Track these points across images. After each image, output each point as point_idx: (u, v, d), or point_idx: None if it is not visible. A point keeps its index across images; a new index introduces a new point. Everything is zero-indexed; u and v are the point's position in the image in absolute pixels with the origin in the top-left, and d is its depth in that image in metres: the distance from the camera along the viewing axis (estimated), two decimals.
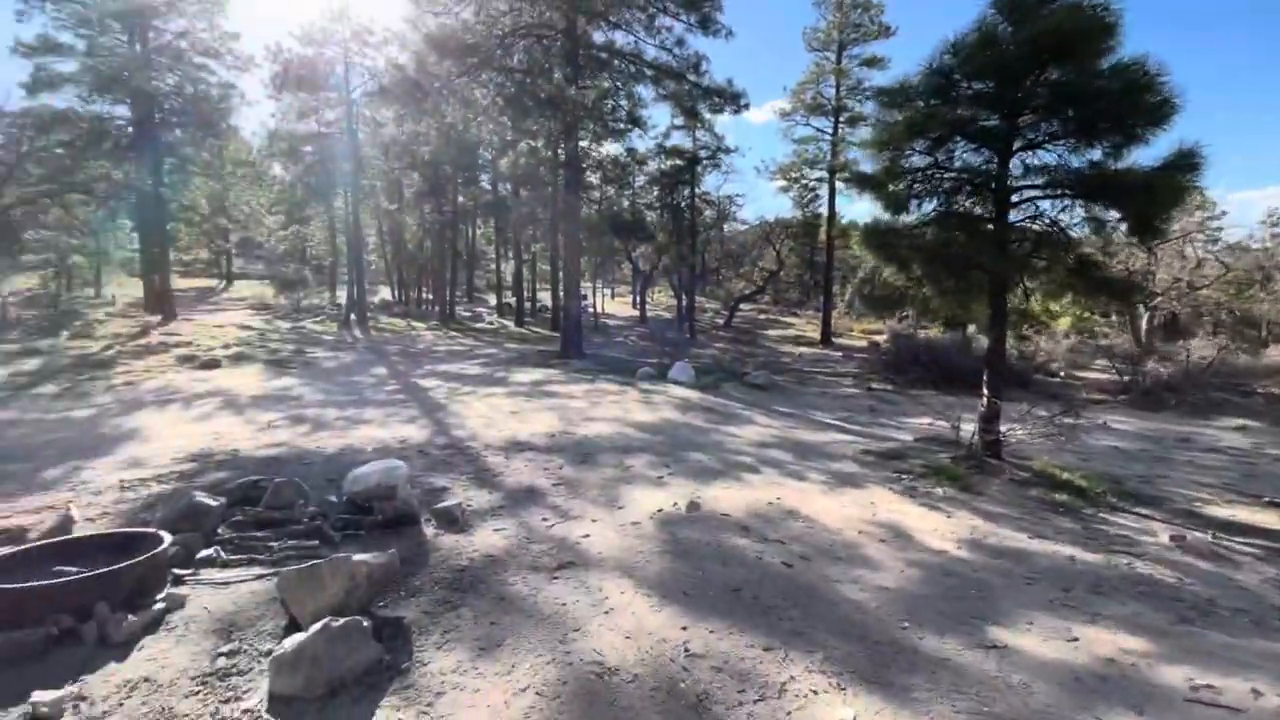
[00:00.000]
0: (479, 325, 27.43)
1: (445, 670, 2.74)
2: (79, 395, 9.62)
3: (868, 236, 6.75)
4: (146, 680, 2.58)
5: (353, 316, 22.61)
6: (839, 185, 29.10)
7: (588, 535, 4.36)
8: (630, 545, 4.21)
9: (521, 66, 15.55)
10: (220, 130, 23.83)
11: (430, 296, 34.76)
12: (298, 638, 2.60)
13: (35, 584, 2.93)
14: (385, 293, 37.56)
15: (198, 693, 2.53)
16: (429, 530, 4.32)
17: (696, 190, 28.26)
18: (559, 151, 18.37)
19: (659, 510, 4.91)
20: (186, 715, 2.39)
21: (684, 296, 29.33)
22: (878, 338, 22.85)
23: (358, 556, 3.13)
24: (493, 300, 37.42)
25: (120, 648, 2.79)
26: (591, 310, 29.34)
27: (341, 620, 2.68)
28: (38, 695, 2.40)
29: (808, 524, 4.77)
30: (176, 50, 22.73)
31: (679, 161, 27.60)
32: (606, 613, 3.29)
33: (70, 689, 2.49)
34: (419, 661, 2.79)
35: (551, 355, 16.54)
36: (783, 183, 31.68)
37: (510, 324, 28.13)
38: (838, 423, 9.32)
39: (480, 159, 29.00)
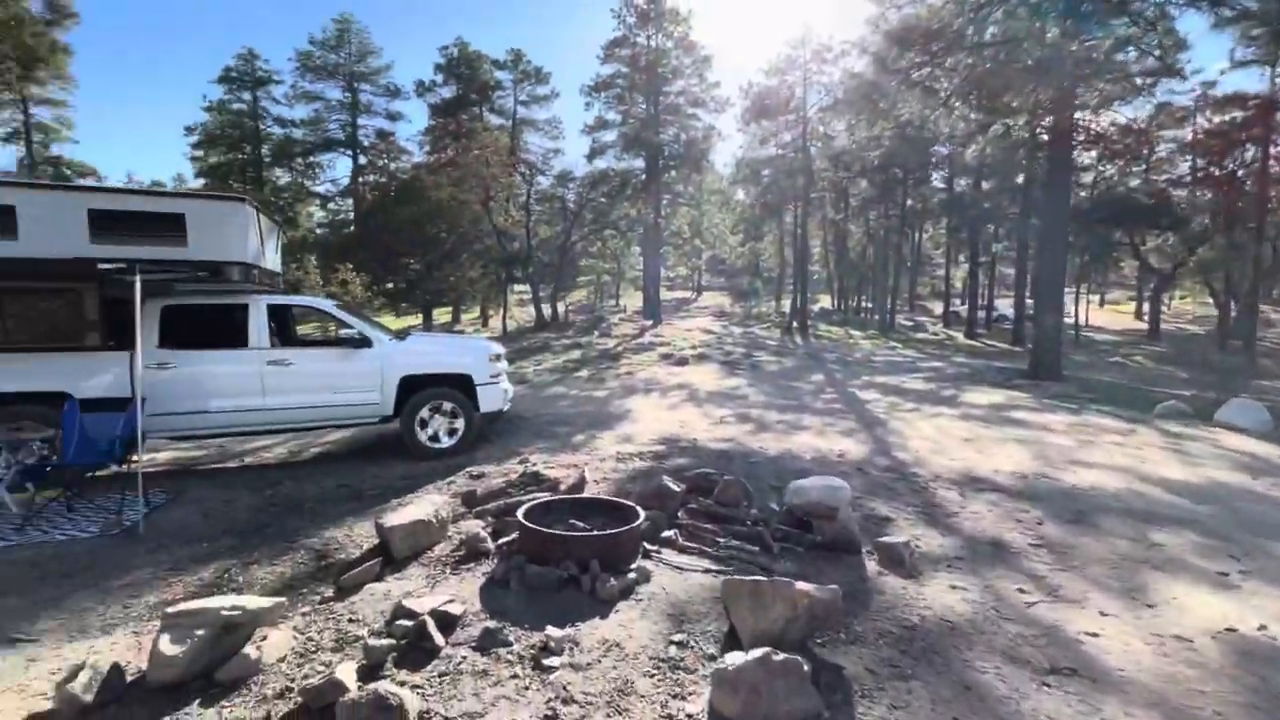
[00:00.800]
0: (921, 335, 25.35)
1: None
2: (599, 380, 12.68)
3: None
4: (618, 645, 2.86)
5: (794, 323, 23.83)
6: None
7: (1095, 634, 3.12)
8: (1176, 673, 2.80)
9: (997, 38, 13.37)
10: (702, 166, 28.52)
11: (869, 304, 34.03)
12: (738, 658, 2.47)
13: (564, 532, 3.65)
14: (825, 301, 38.57)
15: (652, 676, 2.65)
16: (870, 565, 3.82)
17: (1273, 149, 19.47)
18: (1040, 130, 15.21)
19: (1227, 629, 3.20)
20: (643, 696, 2.52)
21: (1233, 303, 20.72)
22: None
23: (800, 585, 2.87)
24: (937, 308, 34.17)
25: (604, 605, 3.20)
26: (1071, 321, 23.57)
27: (782, 656, 2.44)
28: (550, 630, 2.90)
29: None
30: (675, 106, 28.19)
31: (1239, 113, 19.54)
32: None
33: (569, 631, 2.95)
34: None
35: (1015, 374, 13.80)
36: None
37: (958, 335, 25.07)
38: None
39: (933, 156, 26.72)
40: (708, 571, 3.62)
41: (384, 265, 22.34)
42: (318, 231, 36.26)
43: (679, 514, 4.42)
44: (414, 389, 6.48)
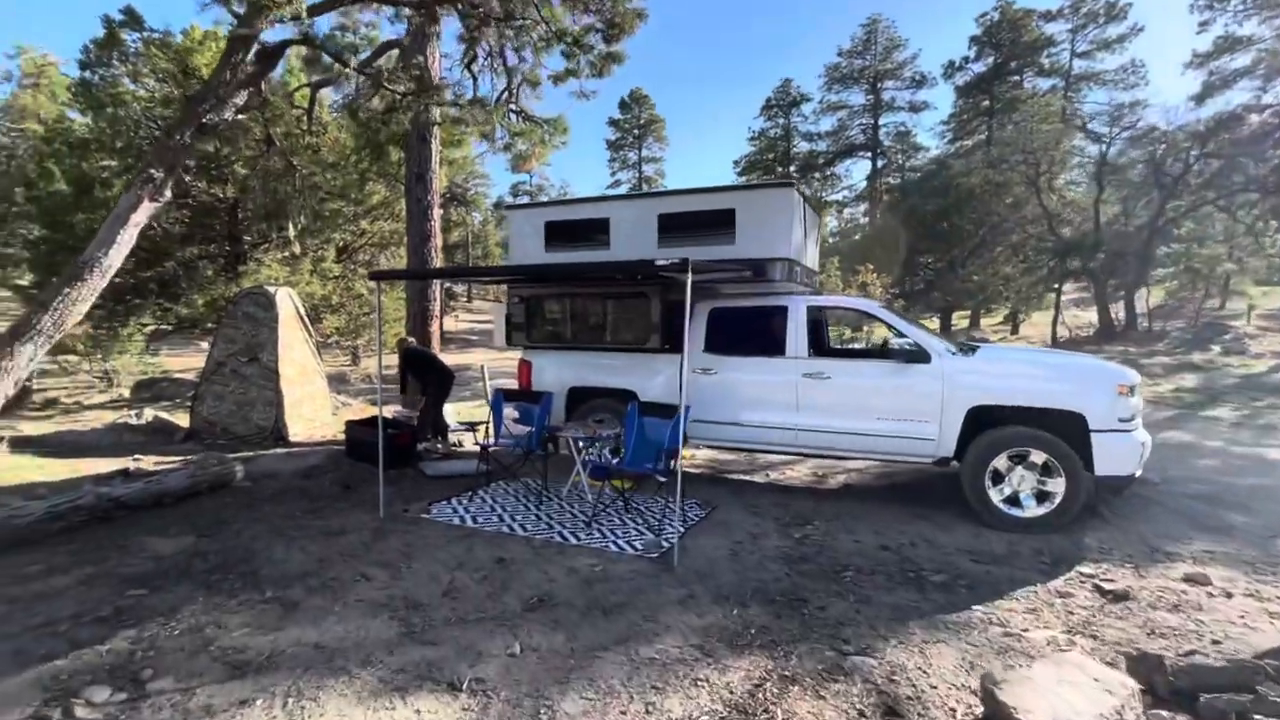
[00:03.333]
0: None
1: None
2: (1265, 429, 7.80)
3: None
4: None
5: None
6: None
7: None
8: None
9: None
10: None
11: None
12: None
13: None
14: None
15: None
16: None
17: None
18: None
19: None
20: None
21: None
22: None
23: None
24: None
25: None
26: None
27: None
28: None
29: None
30: None
31: None
32: None
33: None
34: None
35: None
36: None
37: None
38: None
39: None
40: None
41: (901, 265, 20.67)
42: (833, 239, 37.47)
43: None
44: (986, 425, 4.55)
